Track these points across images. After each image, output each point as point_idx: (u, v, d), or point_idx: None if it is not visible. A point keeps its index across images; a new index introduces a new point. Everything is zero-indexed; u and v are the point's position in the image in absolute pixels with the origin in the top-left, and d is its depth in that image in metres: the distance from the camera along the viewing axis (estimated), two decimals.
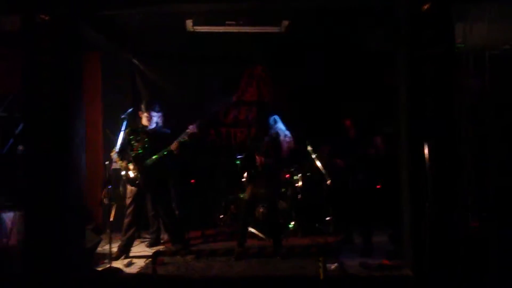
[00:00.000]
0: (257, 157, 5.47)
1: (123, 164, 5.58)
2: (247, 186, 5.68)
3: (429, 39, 4.55)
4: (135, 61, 7.34)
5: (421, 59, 4.58)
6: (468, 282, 4.31)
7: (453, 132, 4.60)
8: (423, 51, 4.56)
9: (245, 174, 6.05)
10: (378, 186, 6.17)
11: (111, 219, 5.63)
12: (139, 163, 5.56)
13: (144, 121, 5.72)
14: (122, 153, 5.53)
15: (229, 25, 6.06)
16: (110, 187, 5.26)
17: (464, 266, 4.40)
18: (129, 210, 5.62)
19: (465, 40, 4.78)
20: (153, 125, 5.75)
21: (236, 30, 6.20)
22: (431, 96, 4.53)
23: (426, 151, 4.43)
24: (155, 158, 5.57)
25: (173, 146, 5.55)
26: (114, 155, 5.47)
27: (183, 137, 5.61)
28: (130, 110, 5.50)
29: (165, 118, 5.98)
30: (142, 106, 5.76)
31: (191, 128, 5.64)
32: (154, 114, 5.72)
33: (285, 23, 6.04)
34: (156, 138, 5.68)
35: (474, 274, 4.36)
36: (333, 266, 4.88)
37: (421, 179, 4.51)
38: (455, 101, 4.60)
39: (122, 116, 5.34)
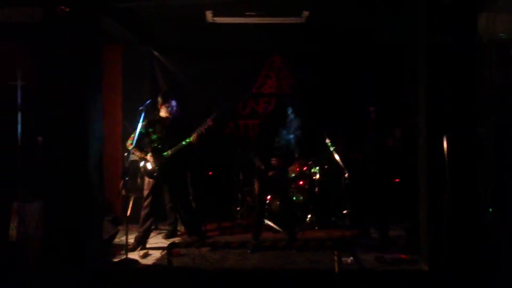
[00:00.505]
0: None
1: (141, 155, 5.61)
2: (257, 178, 5.65)
3: (451, 29, 4.46)
4: (155, 53, 7.38)
5: (441, 50, 4.50)
6: (484, 277, 4.23)
7: (473, 126, 4.52)
8: (444, 41, 4.47)
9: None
10: (396, 180, 6.12)
11: (129, 210, 5.69)
12: (157, 154, 5.57)
13: (163, 112, 5.72)
14: (139, 145, 5.56)
15: (248, 16, 6.02)
16: (127, 178, 5.28)
17: (481, 261, 4.34)
18: (146, 202, 5.65)
19: (488, 31, 4.67)
20: (171, 115, 5.73)
21: (256, 21, 6.16)
22: (451, 89, 4.45)
23: (445, 144, 4.36)
24: (174, 150, 5.58)
25: (193, 138, 5.56)
26: (131, 146, 5.50)
27: (202, 129, 5.61)
28: (148, 102, 5.49)
29: (182, 111, 5.99)
30: (159, 99, 5.75)
31: (209, 121, 5.65)
32: (172, 104, 5.71)
33: (306, 13, 5.96)
34: (174, 130, 5.68)
35: (491, 269, 4.28)
36: (349, 260, 4.85)
37: (440, 173, 4.45)
38: (476, 94, 4.50)
39: (140, 108, 5.33)
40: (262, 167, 5.46)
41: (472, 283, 4.20)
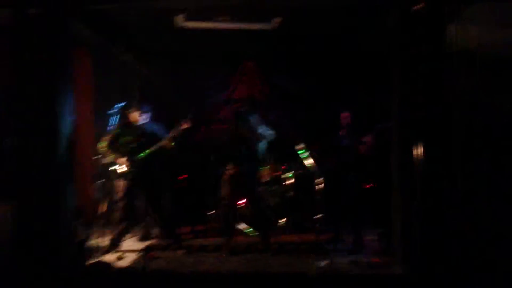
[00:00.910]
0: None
1: (114, 158, 5.54)
2: (223, 184, 5.66)
3: (421, 39, 4.60)
4: (126, 57, 7.28)
5: (412, 59, 4.64)
6: (459, 279, 4.34)
7: (443, 133, 4.66)
8: (415, 51, 4.61)
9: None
10: (367, 186, 6.23)
11: (101, 213, 5.61)
12: (130, 157, 5.52)
13: (134, 117, 5.69)
14: (112, 146, 5.50)
15: (219, 21, 6.03)
16: (101, 181, 5.20)
17: (454, 263, 4.45)
18: (120, 205, 5.59)
19: (457, 41, 4.82)
20: (143, 121, 5.73)
21: (226, 27, 6.17)
22: (422, 98, 4.58)
23: (417, 151, 4.48)
24: (147, 152, 5.55)
25: (166, 141, 5.53)
26: (102, 148, 5.45)
27: (175, 133, 5.59)
28: (121, 104, 5.46)
29: (155, 114, 5.97)
30: (133, 104, 5.74)
31: (184, 124, 5.63)
32: (144, 111, 5.70)
33: (277, 20, 6.02)
34: (147, 133, 5.67)
35: (466, 271, 4.40)
36: (322, 264, 4.90)
37: (412, 178, 4.56)
38: (446, 102, 4.65)
39: (112, 111, 5.29)
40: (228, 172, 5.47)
41: (445, 286, 4.28)
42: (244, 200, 6.30)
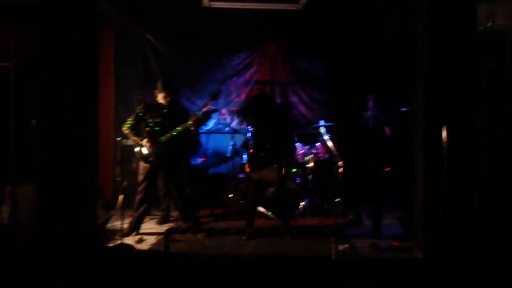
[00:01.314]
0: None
1: (137, 140, 5.53)
2: (254, 166, 5.62)
3: (449, 19, 4.48)
4: (149, 37, 7.27)
5: (440, 40, 4.52)
6: (478, 266, 4.29)
7: (471, 116, 4.56)
8: (442, 32, 4.50)
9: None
10: (387, 169, 6.17)
11: (122, 196, 5.64)
12: (153, 139, 5.50)
13: (160, 99, 5.64)
14: (135, 129, 5.49)
15: (245, 1, 5.96)
16: (123, 163, 5.22)
17: (475, 251, 4.40)
18: (141, 187, 5.59)
19: (487, 22, 4.70)
20: (168, 102, 5.66)
21: (253, 7, 6.10)
22: (450, 79, 4.48)
23: (444, 134, 4.40)
24: (170, 134, 5.51)
25: (191, 123, 5.51)
26: (127, 131, 5.44)
27: (199, 115, 5.56)
28: (143, 85, 5.42)
29: (179, 95, 5.95)
30: (159, 85, 5.64)
31: (206, 106, 5.60)
32: (169, 92, 5.64)
33: (303, 0, 5.92)
34: (171, 115, 5.60)
35: (485, 260, 4.34)
36: (342, 247, 4.88)
37: (437, 162, 4.49)
38: (474, 85, 4.54)
39: (137, 92, 5.26)
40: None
41: (466, 272, 4.24)
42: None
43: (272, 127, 5.48)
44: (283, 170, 5.42)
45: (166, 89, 5.58)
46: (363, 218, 6.04)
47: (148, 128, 5.55)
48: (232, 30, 7.19)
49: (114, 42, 7.03)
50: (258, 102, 5.76)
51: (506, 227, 4.48)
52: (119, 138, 5.76)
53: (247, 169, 5.60)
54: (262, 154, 5.47)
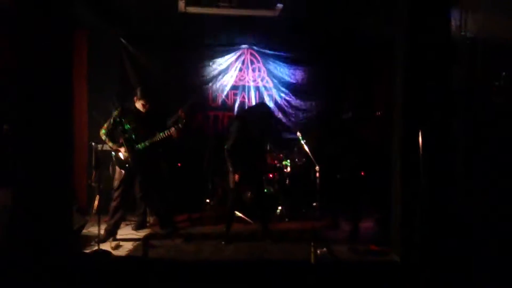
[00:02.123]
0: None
1: (114, 146, 5.45)
2: (233, 171, 5.60)
3: (427, 27, 4.60)
4: (123, 40, 7.17)
5: (418, 45, 4.63)
6: (456, 269, 4.37)
7: (448, 120, 4.67)
8: (421, 38, 4.60)
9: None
10: (362, 173, 6.25)
11: (97, 202, 5.54)
12: (129, 145, 5.41)
13: (139, 106, 5.57)
14: (111, 135, 5.39)
15: (222, 6, 5.95)
16: (98, 169, 5.13)
17: (453, 254, 4.49)
18: (117, 193, 5.49)
19: (461, 28, 4.83)
20: (146, 109, 5.60)
21: (229, 13, 6.09)
22: (426, 82, 4.58)
23: (420, 138, 4.48)
24: (149, 142, 5.45)
25: (173, 131, 5.45)
26: (103, 136, 5.35)
27: (179, 123, 5.51)
28: (119, 91, 5.32)
29: (155, 101, 5.89)
30: (138, 93, 5.56)
31: (182, 113, 5.56)
32: (148, 100, 5.57)
33: (279, 6, 5.96)
34: (148, 122, 5.54)
35: (463, 262, 4.43)
36: (320, 251, 4.90)
37: (414, 166, 4.57)
38: (450, 88, 4.66)
39: (113, 98, 5.18)
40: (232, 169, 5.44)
41: (443, 275, 4.31)
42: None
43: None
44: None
45: (145, 97, 5.52)
46: (341, 221, 6.08)
47: (125, 134, 5.46)
48: (208, 36, 7.17)
49: (87, 45, 6.93)
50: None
51: (483, 227, 4.59)
52: (94, 143, 5.66)
53: (237, 179, 5.48)
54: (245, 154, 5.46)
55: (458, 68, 5.00)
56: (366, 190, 6.06)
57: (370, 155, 5.90)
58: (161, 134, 5.45)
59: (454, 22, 4.83)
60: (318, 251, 4.79)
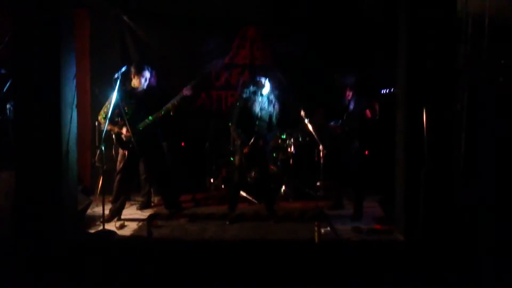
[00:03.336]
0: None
1: (114, 129, 5.41)
2: (237, 151, 5.59)
3: (431, 2, 4.51)
4: (125, 18, 7.07)
5: (421, 22, 4.55)
6: (459, 249, 4.37)
7: (451, 98, 4.62)
8: (425, 14, 4.51)
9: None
10: (366, 152, 6.22)
11: (101, 182, 5.55)
12: (130, 126, 5.37)
13: (136, 83, 5.51)
14: (111, 117, 5.32)
15: None
16: (102, 148, 5.11)
17: (456, 232, 4.48)
18: (120, 174, 5.50)
19: (467, 4, 4.74)
20: (144, 86, 5.54)
21: None
22: (430, 61, 4.51)
23: (424, 117, 4.44)
24: (149, 120, 5.42)
25: (170, 109, 5.42)
26: (102, 119, 5.32)
27: (178, 99, 5.47)
28: (123, 69, 5.22)
29: (156, 79, 5.84)
30: (132, 68, 5.49)
31: (185, 90, 5.51)
32: (145, 75, 5.50)
33: None
34: (147, 100, 5.49)
35: (467, 240, 4.43)
36: (324, 231, 4.91)
37: (418, 145, 4.54)
38: (455, 66, 4.60)
39: (115, 76, 5.09)
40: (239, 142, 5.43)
41: (446, 254, 4.31)
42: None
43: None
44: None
45: (141, 72, 5.45)
46: (344, 201, 6.08)
47: (126, 115, 5.40)
48: (211, 13, 7.03)
49: (88, 23, 6.85)
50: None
51: (486, 206, 4.58)
52: (98, 123, 5.63)
53: (246, 150, 5.44)
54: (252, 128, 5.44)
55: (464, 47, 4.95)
56: (370, 169, 6.05)
57: (374, 133, 5.87)
58: (161, 112, 5.42)
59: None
60: (322, 231, 4.81)
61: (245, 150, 5.39)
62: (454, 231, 4.47)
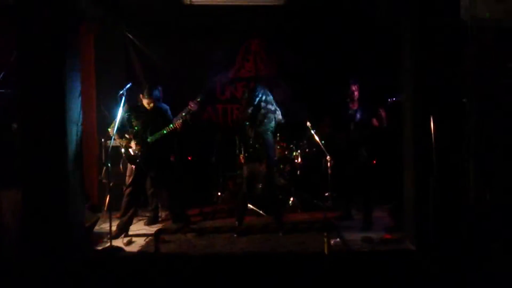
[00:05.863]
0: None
1: (123, 142, 5.44)
2: (244, 163, 5.56)
3: (436, 8, 4.51)
4: (128, 35, 7.12)
5: (428, 28, 4.54)
6: (470, 254, 4.31)
7: (459, 105, 4.58)
8: (431, 20, 4.51)
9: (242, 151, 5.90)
10: (374, 161, 6.16)
11: (107, 198, 5.54)
12: (139, 141, 5.38)
13: (145, 103, 5.55)
14: (121, 131, 5.37)
15: None
16: (109, 165, 5.11)
17: (467, 239, 4.41)
18: (129, 189, 5.49)
19: (470, 11, 4.73)
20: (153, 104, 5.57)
21: (235, 3, 6.03)
22: (438, 70, 4.48)
23: (432, 124, 4.40)
24: (157, 135, 5.43)
25: (178, 123, 5.43)
26: (112, 132, 5.33)
27: (185, 114, 5.48)
28: (128, 85, 5.27)
29: (163, 95, 5.86)
30: (145, 92, 5.51)
31: (192, 105, 5.52)
32: (156, 97, 5.55)
33: None
34: (156, 116, 5.53)
35: (477, 246, 4.36)
36: (333, 242, 4.85)
37: (427, 152, 4.49)
38: (462, 72, 4.57)
39: (120, 93, 5.13)
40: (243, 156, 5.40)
41: (458, 262, 4.25)
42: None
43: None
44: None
45: (151, 95, 5.49)
46: (353, 211, 6.02)
47: (135, 130, 5.42)
48: (214, 27, 7.08)
49: (93, 40, 6.89)
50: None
51: (499, 214, 4.51)
52: (104, 140, 5.64)
53: (241, 160, 5.47)
54: (251, 149, 5.41)
55: (471, 52, 4.92)
56: (378, 178, 5.99)
57: (381, 142, 5.82)
58: (167, 127, 5.43)
59: (464, 2, 4.73)
60: (332, 242, 4.75)
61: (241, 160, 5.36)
62: (465, 239, 4.40)
